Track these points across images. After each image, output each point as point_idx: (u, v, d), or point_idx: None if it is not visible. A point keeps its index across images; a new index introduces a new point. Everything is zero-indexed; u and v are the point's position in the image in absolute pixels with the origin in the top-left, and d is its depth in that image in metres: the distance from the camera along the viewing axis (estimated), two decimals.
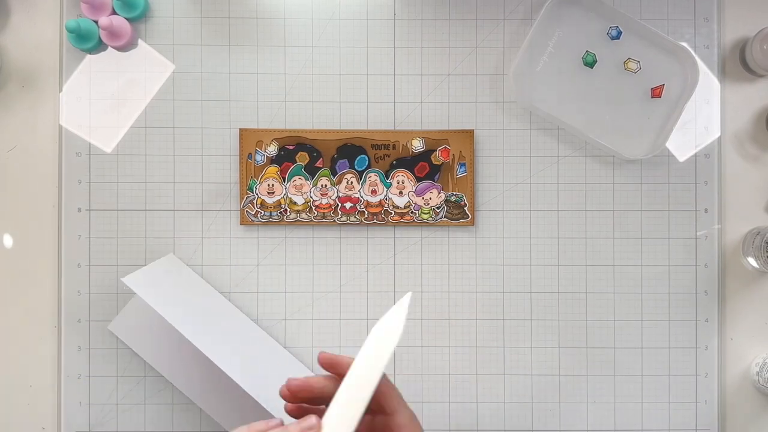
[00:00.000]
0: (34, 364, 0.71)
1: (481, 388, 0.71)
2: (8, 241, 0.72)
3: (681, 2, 0.72)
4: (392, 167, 0.71)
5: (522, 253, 0.72)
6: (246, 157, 0.70)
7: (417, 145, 0.70)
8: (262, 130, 0.71)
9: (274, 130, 0.71)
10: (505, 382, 0.71)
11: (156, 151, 0.72)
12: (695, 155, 0.72)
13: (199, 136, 0.72)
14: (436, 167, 0.71)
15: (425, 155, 0.71)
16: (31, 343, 0.71)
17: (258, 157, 0.70)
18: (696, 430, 0.71)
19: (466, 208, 0.70)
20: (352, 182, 0.70)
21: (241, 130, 0.71)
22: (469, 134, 0.70)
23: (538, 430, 0.71)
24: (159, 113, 0.72)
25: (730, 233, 0.72)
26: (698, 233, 0.72)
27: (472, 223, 0.71)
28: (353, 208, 0.70)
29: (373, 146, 0.70)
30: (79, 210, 0.71)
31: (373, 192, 0.70)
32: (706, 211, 0.72)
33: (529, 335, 0.72)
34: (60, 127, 0.72)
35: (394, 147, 0.71)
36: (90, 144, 0.72)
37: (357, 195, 0.70)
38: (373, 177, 0.70)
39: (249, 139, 0.71)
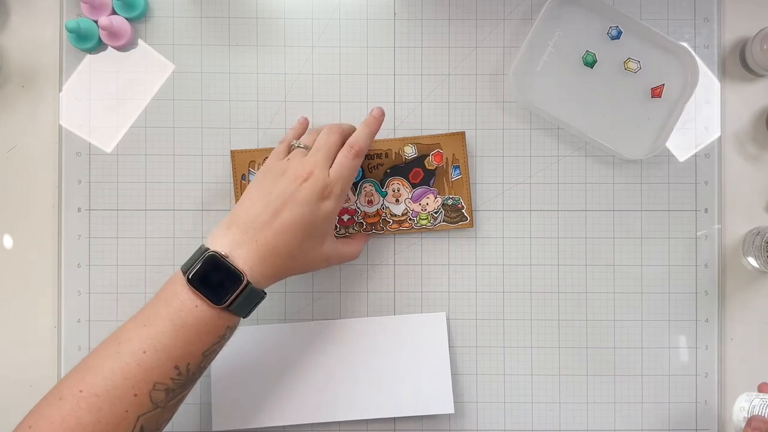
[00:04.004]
0: (34, 364, 0.71)
1: (481, 388, 0.71)
2: (8, 241, 0.72)
3: (681, 2, 0.72)
4: (386, 175, 0.70)
5: (522, 253, 0.72)
6: (240, 179, 0.70)
7: (409, 151, 0.70)
8: (254, 150, 0.70)
9: (266, 150, 0.70)
10: (505, 382, 0.71)
11: (156, 151, 0.72)
12: (695, 155, 0.72)
13: (199, 135, 0.72)
14: (431, 172, 0.70)
15: (419, 161, 0.70)
16: (31, 343, 0.71)
17: (252, 177, 0.69)
18: (696, 430, 0.71)
19: (463, 211, 0.70)
20: (347, 194, 0.70)
21: (232, 151, 0.70)
22: (460, 136, 0.70)
23: (538, 430, 0.71)
24: (159, 113, 0.72)
25: (730, 233, 0.72)
26: (698, 233, 0.72)
27: (472, 225, 0.70)
28: (351, 220, 0.70)
29: (365, 156, 0.69)
30: (79, 210, 0.71)
31: (369, 202, 0.70)
32: (706, 211, 0.72)
33: (529, 335, 0.72)
34: (60, 126, 0.72)
35: (386, 155, 0.70)
36: (90, 144, 0.72)
37: (353, 207, 0.70)
38: (368, 187, 0.70)
39: (241, 160, 0.70)
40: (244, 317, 0.58)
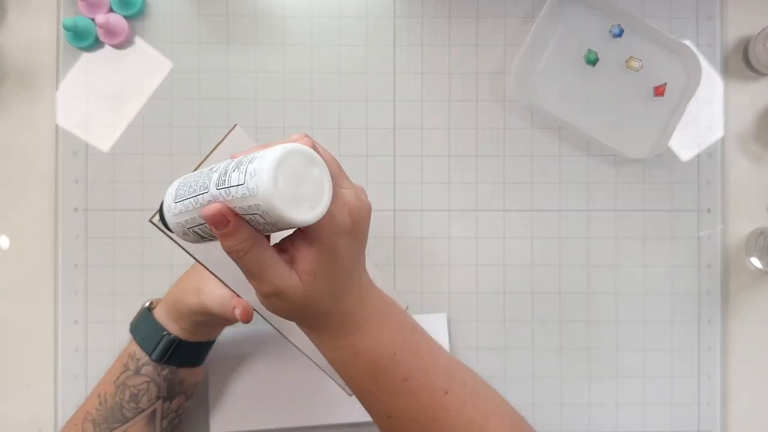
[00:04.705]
0: (32, 365, 0.70)
1: None
2: (4, 241, 0.71)
3: (683, 0, 0.72)
4: None
5: (523, 253, 0.71)
6: None
7: None
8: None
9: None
10: (506, 383, 0.71)
11: (153, 150, 0.71)
12: (698, 155, 0.71)
13: (197, 134, 0.71)
14: None
15: None
16: (29, 343, 0.71)
17: None
18: None
19: None
20: None
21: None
22: None
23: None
24: (156, 112, 0.71)
25: (733, 233, 0.71)
26: (701, 233, 0.71)
27: None
28: None
29: None
30: (76, 210, 0.71)
31: None
32: (708, 211, 0.71)
33: (530, 336, 0.71)
34: (56, 126, 0.71)
35: None
36: (87, 143, 0.71)
37: None
38: None
39: None
40: (142, 345, 0.61)
